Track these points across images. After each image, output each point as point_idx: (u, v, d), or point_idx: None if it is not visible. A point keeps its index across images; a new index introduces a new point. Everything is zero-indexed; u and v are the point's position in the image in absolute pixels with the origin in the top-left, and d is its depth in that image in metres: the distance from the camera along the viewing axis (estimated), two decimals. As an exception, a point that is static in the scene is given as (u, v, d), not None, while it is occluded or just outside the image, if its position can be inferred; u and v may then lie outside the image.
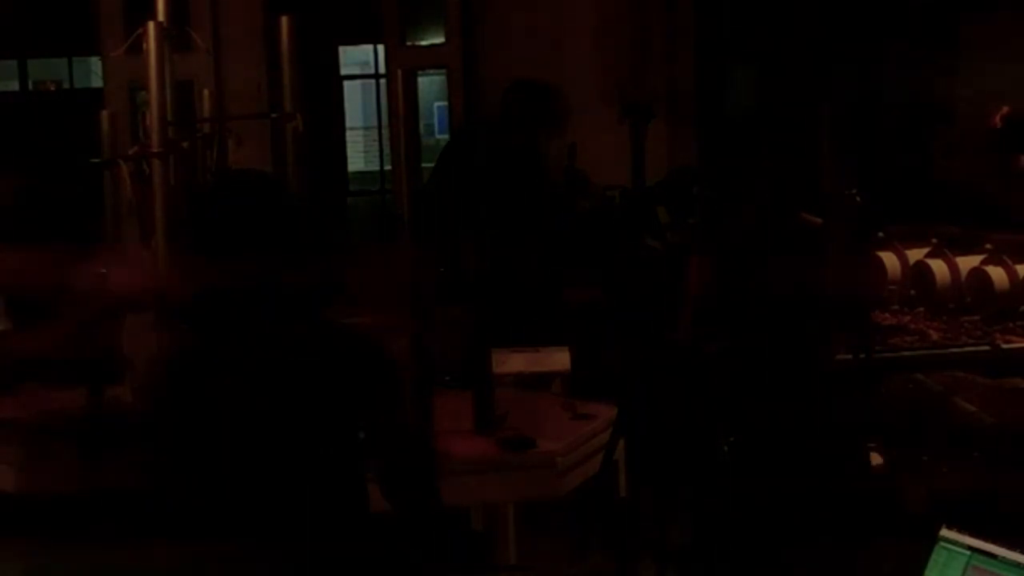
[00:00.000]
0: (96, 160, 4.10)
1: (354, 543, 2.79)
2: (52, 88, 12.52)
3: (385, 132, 12.22)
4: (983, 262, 4.82)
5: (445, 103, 8.94)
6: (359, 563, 2.77)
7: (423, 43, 8.84)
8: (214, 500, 2.73)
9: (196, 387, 2.73)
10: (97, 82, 9.38)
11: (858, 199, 4.28)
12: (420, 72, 7.97)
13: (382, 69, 9.60)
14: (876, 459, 3.88)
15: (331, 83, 11.99)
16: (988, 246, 4.85)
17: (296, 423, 2.72)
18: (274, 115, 4.66)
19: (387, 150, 12.62)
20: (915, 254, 4.97)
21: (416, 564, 2.83)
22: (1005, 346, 4.47)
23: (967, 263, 4.85)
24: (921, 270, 4.92)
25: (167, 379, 2.80)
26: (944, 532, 2.04)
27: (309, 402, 2.73)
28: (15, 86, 11.76)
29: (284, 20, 4.39)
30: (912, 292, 4.91)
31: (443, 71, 7.98)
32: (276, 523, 2.71)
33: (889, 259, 4.99)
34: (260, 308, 2.75)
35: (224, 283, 2.75)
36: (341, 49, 12.31)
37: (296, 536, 2.70)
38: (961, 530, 2.03)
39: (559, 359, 4.60)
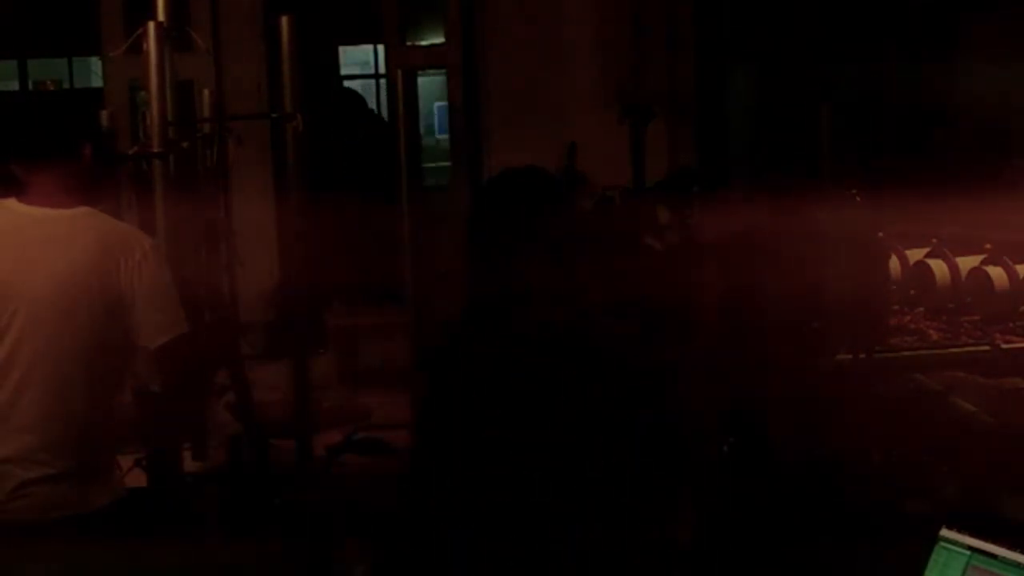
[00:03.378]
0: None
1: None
2: (52, 88, 12.50)
3: (385, 132, 12.21)
4: (983, 262, 4.81)
5: (445, 103, 8.94)
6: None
7: (423, 43, 8.83)
8: (485, 515, 2.56)
9: (468, 394, 2.60)
10: (97, 82, 9.38)
11: (858, 199, 4.28)
12: (420, 72, 7.97)
13: (382, 69, 9.61)
14: (875, 457, 3.88)
15: (331, 83, 11.98)
16: (988, 246, 4.84)
17: (577, 434, 2.57)
18: (274, 115, 4.67)
19: (387, 150, 12.59)
20: (915, 254, 4.95)
21: None
22: (1005, 346, 4.46)
23: (967, 263, 4.84)
24: (921, 270, 4.91)
25: (437, 387, 2.68)
26: (944, 532, 2.03)
27: (590, 415, 2.57)
28: (15, 86, 11.75)
29: (284, 20, 4.40)
30: (912, 292, 4.91)
31: (443, 71, 7.98)
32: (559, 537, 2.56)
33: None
34: (541, 312, 2.61)
35: (506, 286, 2.63)
36: (341, 49, 12.30)
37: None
38: (961, 530, 2.02)
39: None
